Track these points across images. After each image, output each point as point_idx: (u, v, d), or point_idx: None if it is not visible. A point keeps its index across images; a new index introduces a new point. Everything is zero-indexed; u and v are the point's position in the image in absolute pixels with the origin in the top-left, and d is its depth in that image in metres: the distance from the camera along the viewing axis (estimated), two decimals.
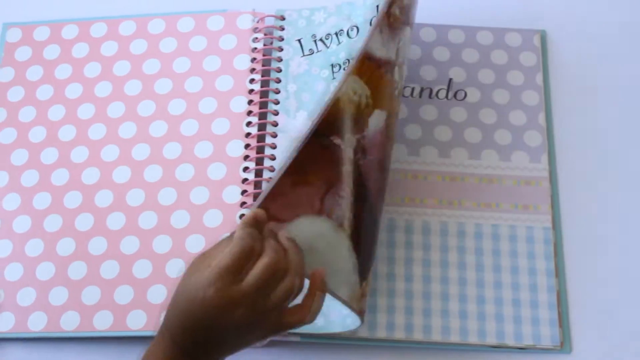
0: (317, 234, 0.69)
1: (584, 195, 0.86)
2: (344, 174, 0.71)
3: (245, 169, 0.84)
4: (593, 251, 0.83)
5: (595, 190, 0.86)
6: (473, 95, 0.89)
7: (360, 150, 0.73)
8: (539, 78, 0.90)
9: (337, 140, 0.71)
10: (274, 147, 0.84)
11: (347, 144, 0.72)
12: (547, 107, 0.89)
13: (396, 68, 0.76)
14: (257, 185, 0.83)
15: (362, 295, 0.73)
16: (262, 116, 0.86)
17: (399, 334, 0.79)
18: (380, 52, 0.75)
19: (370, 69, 0.74)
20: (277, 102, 0.86)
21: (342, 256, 0.70)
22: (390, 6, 0.76)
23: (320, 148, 0.71)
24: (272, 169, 0.83)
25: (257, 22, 0.90)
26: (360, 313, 0.73)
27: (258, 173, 0.84)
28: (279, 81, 0.86)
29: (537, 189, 0.84)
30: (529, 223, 0.83)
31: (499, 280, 0.81)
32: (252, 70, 0.88)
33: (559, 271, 0.82)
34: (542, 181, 0.85)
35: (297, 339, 0.79)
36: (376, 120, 0.75)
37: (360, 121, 0.73)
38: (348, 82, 0.72)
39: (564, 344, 0.79)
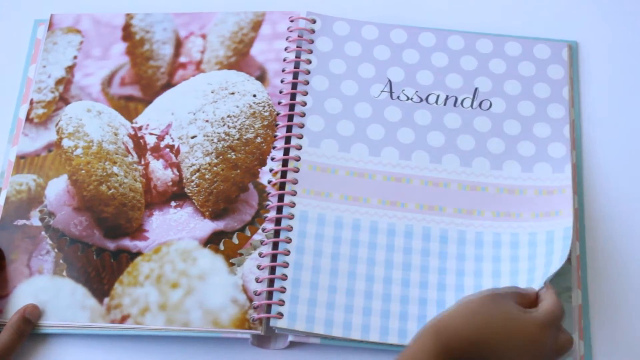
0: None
1: (610, 209, 0.85)
2: (39, 237, 0.85)
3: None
4: (617, 265, 0.82)
5: (623, 204, 0.85)
6: (498, 105, 0.88)
7: (47, 215, 0.86)
8: (565, 92, 0.88)
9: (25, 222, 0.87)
10: None
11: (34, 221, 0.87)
12: (576, 119, 0.88)
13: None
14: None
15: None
16: None
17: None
18: None
19: None
20: None
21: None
22: None
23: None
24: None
25: None
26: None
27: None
28: None
29: (560, 196, 0.83)
30: (548, 228, 0.82)
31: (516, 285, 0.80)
32: None
33: (581, 284, 0.81)
34: (566, 189, 0.83)
35: (317, 341, 0.80)
36: (55, 188, 0.87)
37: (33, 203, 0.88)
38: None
39: (585, 357, 0.78)
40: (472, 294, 0.71)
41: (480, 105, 0.88)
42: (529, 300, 0.73)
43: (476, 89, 0.89)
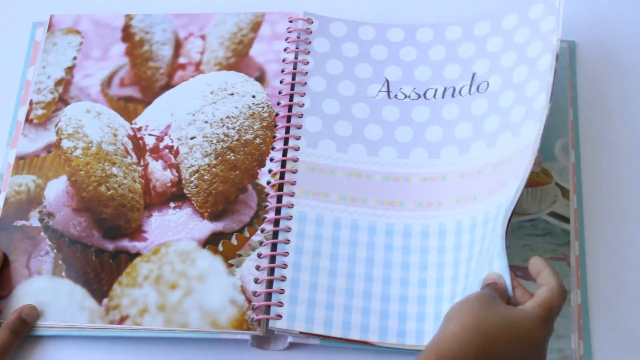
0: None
1: (610, 209, 0.85)
2: (39, 238, 0.86)
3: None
4: (617, 265, 0.82)
5: (623, 204, 0.85)
6: (494, 83, 0.86)
7: (46, 216, 0.87)
8: (554, 39, 0.82)
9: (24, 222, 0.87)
10: None
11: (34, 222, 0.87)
12: (574, 119, 0.88)
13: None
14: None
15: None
16: None
17: (410, 340, 0.79)
18: None
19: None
20: None
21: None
22: None
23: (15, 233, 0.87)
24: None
25: None
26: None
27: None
28: None
29: (529, 153, 0.77)
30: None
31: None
32: None
33: (580, 284, 0.81)
34: (531, 145, 0.77)
35: (317, 341, 0.80)
36: (54, 189, 0.88)
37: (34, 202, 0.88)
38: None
39: (585, 357, 0.78)
40: (458, 307, 0.69)
41: (477, 88, 0.87)
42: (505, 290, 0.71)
43: (474, 74, 0.87)
